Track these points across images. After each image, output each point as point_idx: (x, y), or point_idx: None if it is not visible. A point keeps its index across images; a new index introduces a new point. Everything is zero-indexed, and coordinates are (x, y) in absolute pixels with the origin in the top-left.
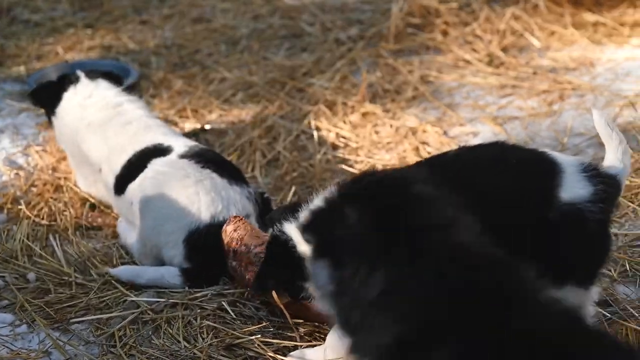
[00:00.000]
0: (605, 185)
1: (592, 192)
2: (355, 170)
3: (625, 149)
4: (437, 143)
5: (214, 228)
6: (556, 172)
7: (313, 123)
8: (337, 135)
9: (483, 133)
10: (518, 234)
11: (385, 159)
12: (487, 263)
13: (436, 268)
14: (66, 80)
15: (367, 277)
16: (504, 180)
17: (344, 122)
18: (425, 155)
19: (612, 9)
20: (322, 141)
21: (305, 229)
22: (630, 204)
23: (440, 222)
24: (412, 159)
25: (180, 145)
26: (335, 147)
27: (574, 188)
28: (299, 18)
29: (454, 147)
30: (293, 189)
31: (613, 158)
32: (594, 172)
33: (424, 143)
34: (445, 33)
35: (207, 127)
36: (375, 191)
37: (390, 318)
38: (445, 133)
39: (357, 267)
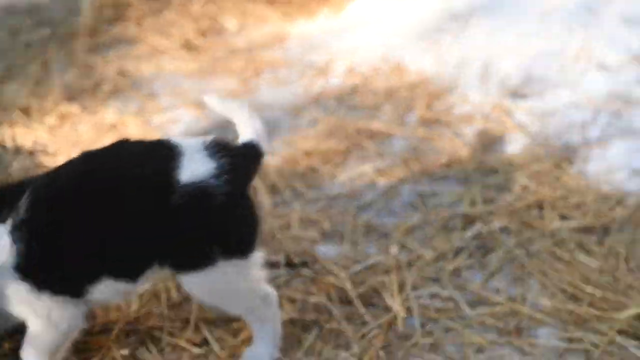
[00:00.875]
0: (232, 157)
1: (215, 167)
2: None
3: (252, 114)
4: (140, 134)
5: None
6: (174, 156)
7: (8, 132)
8: (35, 141)
9: (184, 118)
10: (145, 224)
11: None
12: None
13: None
14: None
15: None
16: (120, 175)
17: (41, 126)
18: None
19: None
20: (18, 150)
21: None
22: (326, 166)
23: None
24: None
25: None
26: (32, 153)
27: (192, 168)
28: None
29: (158, 136)
30: None
31: (244, 128)
32: (217, 148)
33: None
34: (139, 23)
35: None
36: None
37: None
38: (146, 123)
39: None
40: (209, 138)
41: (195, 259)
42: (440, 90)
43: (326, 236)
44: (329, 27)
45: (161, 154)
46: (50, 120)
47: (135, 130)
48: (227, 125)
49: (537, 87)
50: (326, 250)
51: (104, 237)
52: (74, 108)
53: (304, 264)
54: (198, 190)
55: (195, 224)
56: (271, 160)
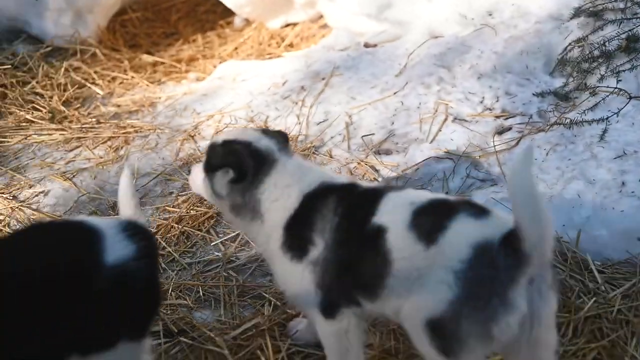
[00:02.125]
0: (147, 239)
1: (136, 249)
2: None
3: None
4: (7, 210)
5: None
6: (98, 238)
7: None
8: None
9: (54, 190)
10: (65, 310)
11: None
12: None
13: None
14: None
15: None
16: (40, 260)
17: None
18: None
19: (169, 47)
20: None
21: None
22: (198, 232)
23: None
24: None
25: None
26: None
27: (117, 250)
28: None
29: (26, 211)
30: None
31: (131, 212)
32: (134, 230)
33: None
34: (3, 95)
35: None
36: None
37: None
38: (15, 198)
39: None
40: (121, 220)
41: (101, 341)
42: (306, 149)
43: (202, 302)
44: (196, 90)
45: (83, 237)
46: None
47: (3, 206)
48: (99, 194)
49: (399, 143)
50: (203, 316)
51: (24, 327)
52: None
53: (182, 332)
54: (124, 272)
55: (120, 306)
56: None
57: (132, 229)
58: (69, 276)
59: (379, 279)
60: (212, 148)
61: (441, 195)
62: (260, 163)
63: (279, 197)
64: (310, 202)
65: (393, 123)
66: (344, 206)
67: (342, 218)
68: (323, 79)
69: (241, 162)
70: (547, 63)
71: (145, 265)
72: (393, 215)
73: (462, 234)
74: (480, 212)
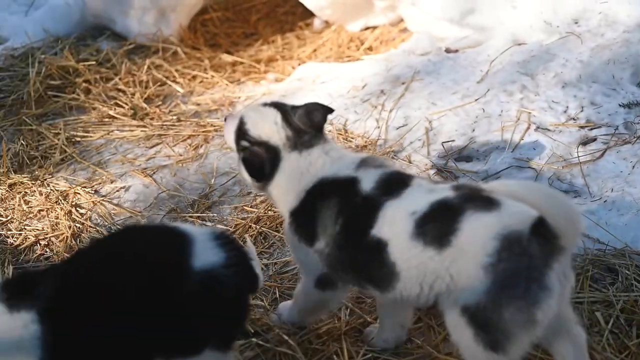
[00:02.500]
0: (237, 250)
1: (226, 257)
2: (7, 245)
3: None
4: (89, 204)
5: None
6: (187, 243)
7: None
8: None
9: (134, 186)
10: (154, 311)
11: (37, 229)
12: None
13: None
14: None
15: None
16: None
17: None
18: (79, 218)
19: (248, 48)
20: None
21: None
22: (276, 233)
23: None
24: (65, 224)
25: None
26: None
27: (206, 255)
28: None
29: (107, 206)
30: None
31: None
32: (225, 240)
33: (76, 206)
34: (87, 91)
35: None
36: None
37: None
38: (96, 192)
39: None
40: (214, 229)
41: (187, 346)
42: (385, 153)
43: (279, 303)
44: (275, 91)
45: (173, 242)
46: (0, 190)
47: (85, 200)
48: (178, 191)
49: (479, 150)
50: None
51: (117, 326)
52: (23, 178)
53: (257, 334)
54: (211, 278)
55: (203, 311)
56: (222, 228)
57: (223, 239)
58: (158, 277)
59: (388, 283)
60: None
61: (443, 195)
62: (271, 163)
63: (286, 192)
64: (312, 198)
65: (474, 130)
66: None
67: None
68: (403, 83)
69: (257, 171)
70: (634, 73)
71: (234, 274)
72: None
73: (480, 230)
74: (488, 204)
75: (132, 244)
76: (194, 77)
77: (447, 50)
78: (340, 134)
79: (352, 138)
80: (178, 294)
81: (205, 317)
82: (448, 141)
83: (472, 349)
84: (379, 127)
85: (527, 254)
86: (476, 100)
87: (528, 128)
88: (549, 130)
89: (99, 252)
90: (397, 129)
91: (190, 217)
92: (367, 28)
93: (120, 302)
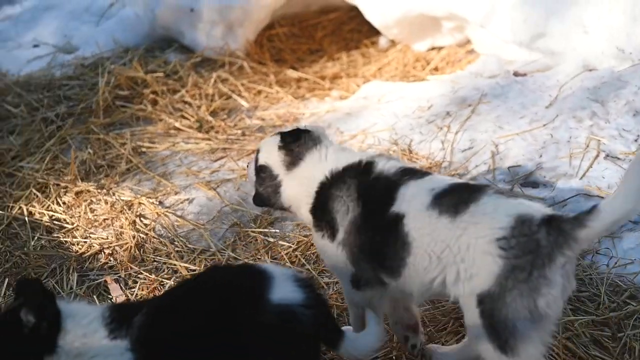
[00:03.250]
0: (315, 292)
1: (304, 297)
2: (72, 252)
3: None
4: (153, 215)
5: None
6: (268, 278)
7: (25, 208)
8: (51, 218)
9: (198, 199)
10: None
11: (102, 237)
12: None
13: None
14: None
15: None
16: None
17: (58, 203)
18: (143, 228)
19: (313, 64)
20: (35, 226)
21: None
22: None
23: None
24: (129, 233)
25: None
26: (49, 230)
27: (284, 292)
28: (3, 100)
29: (171, 217)
30: (7, 281)
31: None
32: (304, 282)
33: (140, 216)
34: (154, 102)
35: None
36: None
37: None
38: (161, 203)
39: None
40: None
41: None
42: (450, 176)
43: (339, 323)
44: (340, 109)
45: (253, 277)
46: (67, 197)
47: (149, 210)
48: (241, 205)
49: (546, 176)
50: None
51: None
52: (89, 186)
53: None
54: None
55: (278, 346)
56: (284, 244)
57: (302, 281)
58: (238, 308)
59: (400, 261)
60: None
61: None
62: (273, 179)
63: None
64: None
65: (541, 156)
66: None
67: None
68: (470, 105)
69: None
70: None
71: (310, 315)
72: (411, 202)
73: (497, 206)
74: (508, 193)
75: (216, 281)
76: (259, 91)
77: (516, 74)
78: (405, 155)
79: (417, 159)
80: (255, 324)
81: (279, 351)
82: (514, 166)
83: (486, 349)
84: (444, 149)
85: (535, 238)
86: (544, 125)
87: (597, 156)
88: (618, 158)
89: (186, 288)
90: (463, 151)
91: (253, 232)
92: (433, 48)
93: (204, 333)
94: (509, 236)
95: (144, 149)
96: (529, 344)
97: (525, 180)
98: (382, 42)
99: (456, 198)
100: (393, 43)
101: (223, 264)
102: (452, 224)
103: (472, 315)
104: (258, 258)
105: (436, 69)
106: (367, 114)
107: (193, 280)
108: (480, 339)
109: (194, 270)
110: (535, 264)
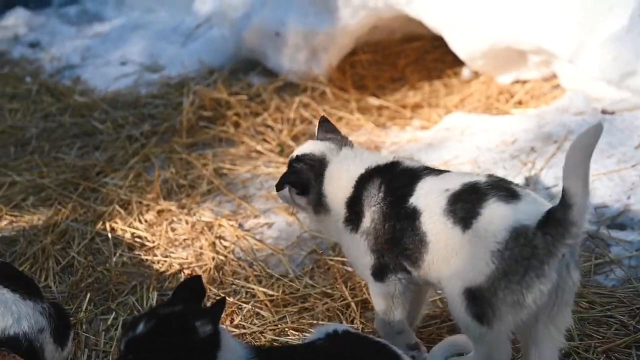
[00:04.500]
0: None
1: None
2: (153, 271)
3: None
4: (232, 237)
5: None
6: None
7: (108, 224)
8: (133, 235)
9: (277, 223)
10: None
11: (182, 257)
12: None
13: None
14: None
15: None
16: None
17: (140, 221)
18: (222, 250)
19: (395, 92)
20: (117, 243)
21: None
22: None
23: None
24: (208, 255)
25: None
26: (131, 247)
27: None
28: (90, 116)
29: (250, 240)
30: (88, 295)
31: None
32: None
33: (220, 238)
34: (237, 124)
35: None
36: None
37: None
38: (240, 226)
39: None
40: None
41: None
42: None
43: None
44: (421, 139)
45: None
46: (149, 215)
47: (229, 233)
48: (320, 234)
49: (635, 219)
50: None
51: None
52: (171, 205)
53: None
54: None
55: None
56: None
57: None
58: None
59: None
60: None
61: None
62: (318, 169)
63: (337, 187)
64: (361, 183)
65: (629, 197)
66: (388, 184)
67: (386, 194)
68: (555, 142)
69: (300, 180)
70: None
71: None
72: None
73: (495, 217)
74: (511, 195)
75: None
76: (340, 118)
77: (604, 112)
78: None
79: None
80: None
81: None
82: (601, 206)
83: (462, 316)
84: (528, 186)
85: (531, 245)
86: (633, 166)
87: None
88: None
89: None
90: (547, 189)
91: (331, 259)
92: (517, 81)
93: None
94: (503, 249)
95: (225, 171)
96: (504, 322)
97: (612, 222)
98: (465, 72)
99: (465, 209)
100: (476, 74)
101: (350, 331)
102: (462, 236)
103: (456, 301)
104: (336, 287)
105: (520, 102)
106: (450, 146)
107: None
108: (460, 312)
109: (272, 295)
110: (531, 266)
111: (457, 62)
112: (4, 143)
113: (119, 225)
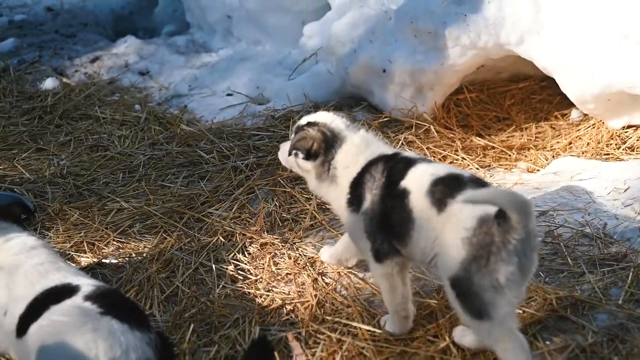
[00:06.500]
0: None
1: None
2: (255, 305)
3: None
4: (335, 274)
5: None
6: None
7: (212, 255)
8: (236, 267)
9: None
10: None
11: (284, 292)
12: None
13: None
14: None
15: None
16: None
17: (243, 253)
18: (324, 287)
19: (499, 132)
20: (220, 274)
21: None
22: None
23: None
24: (311, 291)
25: (87, 284)
26: (234, 280)
27: None
28: (197, 145)
29: (353, 278)
30: (192, 326)
31: None
32: None
33: (322, 274)
34: None
35: (107, 261)
36: None
37: None
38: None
39: None
40: None
41: None
42: None
43: None
44: (528, 182)
45: None
46: (252, 248)
47: (331, 269)
48: (424, 276)
49: None
50: None
51: None
52: (274, 239)
53: None
54: None
55: None
56: None
57: None
58: None
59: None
60: (295, 131)
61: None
62: (333, 140)
63: (349, 164)
64: (368, 167)
65: None
66: (388, 170)
67: (385, 179)
68: None
69: (310, 146)
70: None
71: None
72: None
73: (467, 207)
74: (483, 187)
75: None
76: (445, 157)
77: None
78: (599, 238)
79: (610, 244)
80: None
81: None
82: None
83: (466, 319)
84: None
85: (490, 233)
86: None
87: None
88: None
89: None
90: None
91: (435, 303)
92: (629, 126)
93: None
94: (471, 236)
95: (328, 206)
96: (498, 307)
97: None
98: (574, 115)
99: (442, 192)
100: (585, 117)
101: None
102: (437, 217)
103: (450, 295)
104: (440, 334)
105: (632, 148)
106: (558, 191)
107: None
108: (461, 312)
109: (376, 333)
110: (492, 252)
111: (565, 104)
112: (112, 169)
113: (222, 256)
